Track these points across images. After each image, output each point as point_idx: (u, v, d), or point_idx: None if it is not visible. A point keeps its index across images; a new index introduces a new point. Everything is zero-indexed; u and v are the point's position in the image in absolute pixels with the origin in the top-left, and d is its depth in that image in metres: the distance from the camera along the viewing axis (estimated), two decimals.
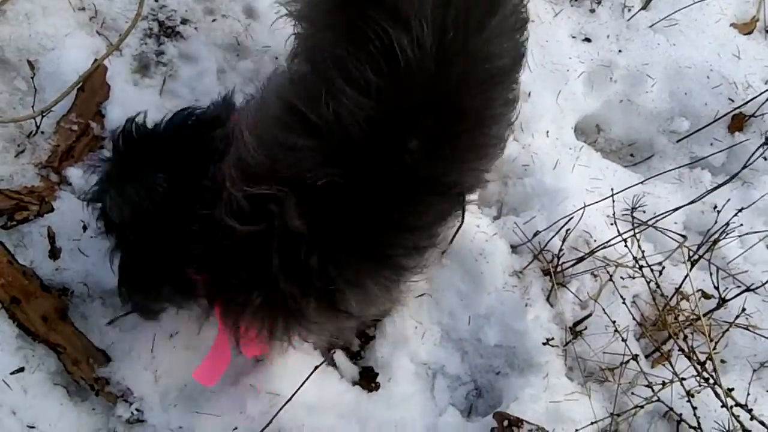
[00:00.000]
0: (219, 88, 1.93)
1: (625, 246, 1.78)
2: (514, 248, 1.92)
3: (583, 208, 1.80)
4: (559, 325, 1.83)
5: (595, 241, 1.91)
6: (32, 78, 1.80)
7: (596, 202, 1.81)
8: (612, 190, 1.98)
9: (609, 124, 2.14)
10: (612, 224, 1.92)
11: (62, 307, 1.73)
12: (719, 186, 1.77)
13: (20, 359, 1.67)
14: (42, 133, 1.83)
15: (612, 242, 1.80)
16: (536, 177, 1.96)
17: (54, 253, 1.76)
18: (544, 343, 1.80)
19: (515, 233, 1.91)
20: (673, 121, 2.11)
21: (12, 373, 1.65)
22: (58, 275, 1.75)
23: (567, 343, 1.81)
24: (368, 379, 1.79)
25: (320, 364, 1.60)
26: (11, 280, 1.70)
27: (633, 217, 1.76)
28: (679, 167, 2.02)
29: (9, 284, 1.69)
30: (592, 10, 2.10)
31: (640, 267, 1.79)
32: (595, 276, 1.92)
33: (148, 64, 1.94)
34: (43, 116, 1.80)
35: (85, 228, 1.77)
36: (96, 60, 1.84)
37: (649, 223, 1.81)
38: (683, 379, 1.57)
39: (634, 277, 1.90)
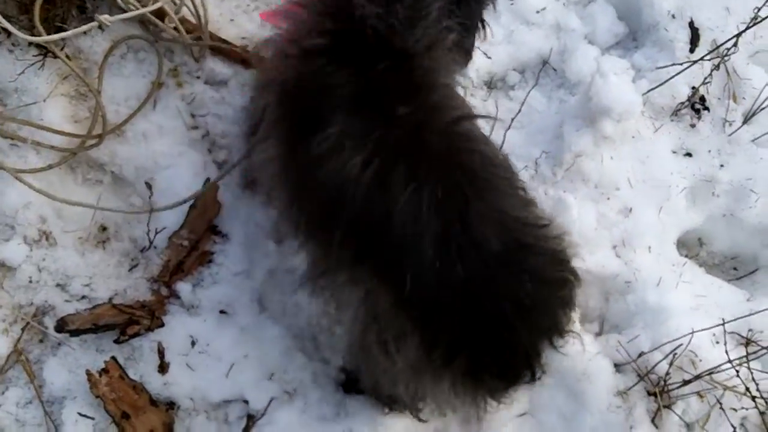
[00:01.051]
0: None
1: (737, 375, 1.73)
2: (617, 367, 1.88)
3: (691, 333, 1.76)
4: None
5: (701, 361, 1.85)
6: (150, 197, 1.88)
7: (704, 330, 1.77)
8: (717, 306, 1.97)
9: (712, 238, 2.10)
10: (717, 342, 1.88)
11: (169, 422, 1.76)
12: None
13: None
14: (155, 248, 1.90)
15: (721, 368, 1.75)
16: (639, 294, 1.92)
17: (163, 368, 1.79)
18: None
19: (618, 352, 1.87)
20: None
21: None
22: (166, 390, 1.78)
23: None
24: None
25: None
26: (122, 395, 1.74)
27: (747, 348, 1.72)
28: None
29: (120, 399, 1.73)
30: (693, 125, 2.09)
31: (753, 398, 1.74)
32: (702, 397, 1.86)
33: (255, 179, 2.01)
34: (156, 233, 1.88)
35: (193, 343, 1.81)
36: (208, 179, 1.91)
37: (760, 350, 1.77)
38: None
39: (742, 402, 1.83)
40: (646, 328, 1.89)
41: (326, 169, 1.31)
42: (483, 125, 1.80)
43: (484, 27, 1.72)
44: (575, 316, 1.89)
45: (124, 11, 2.00)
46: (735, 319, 1.77)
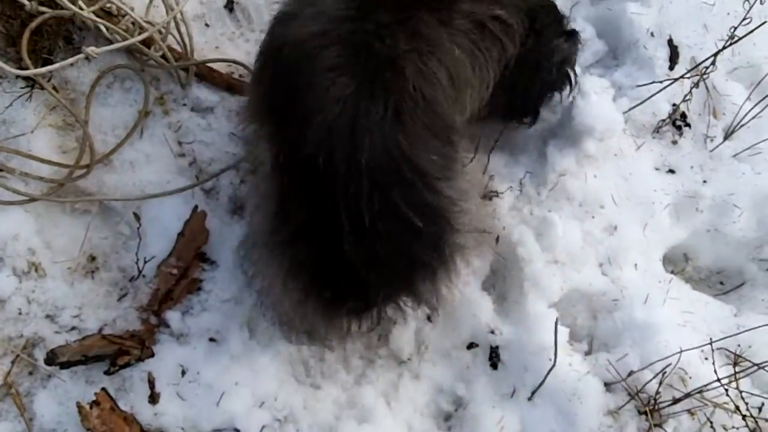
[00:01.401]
0: None
1: (726, 395, 1.75)
2: (607, 386, 1.89)
3: (680, 353, 1.78)
4: None
5: (690, 378, 1.87)
6: (138, 229, 1.89)
7: (692, 348, 1.79)
8: (704, 322, 1.99)
9: (697, 253, 2.11)
10: (706, 359, 1.89)
11: None
12: None
13: None
14: (143, 276, 1.90)
15: (711, 385, 1.77)
16: (626, 311, 1.93)
17: (154, 398, 1.79)
18: None
19: (608, 371, 1.88)
20: (763, 249, 2.07)
21: None
22: (157, 420, 1.78)
23: None
24: None
25: None
26: (113, 426, 1.74)
27: (735, 367, 1.74)
28: None
29: (111, 431, 1.73)
30: (674, 142, 2.11)
31: (743, 416, 1.76)
32: (693, 414, 1.87)
33: (243, 205, 2.02)
34: (145, 262, 1.88)
35: (183, 372, 1.82)
36: (196, 207, 1.92)
37: (749, 367, 1.78)
38: None
39: (733, 419, 1.84)
40: (635, 345, 1.90)
41: None
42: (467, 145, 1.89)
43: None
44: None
45: (111, 41, 2.03)
46: (722, 338, 1.79)
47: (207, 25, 2.16)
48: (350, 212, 1.38)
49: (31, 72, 1.84)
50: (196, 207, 1.93)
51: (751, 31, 1.87)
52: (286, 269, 1.50)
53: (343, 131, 1.37)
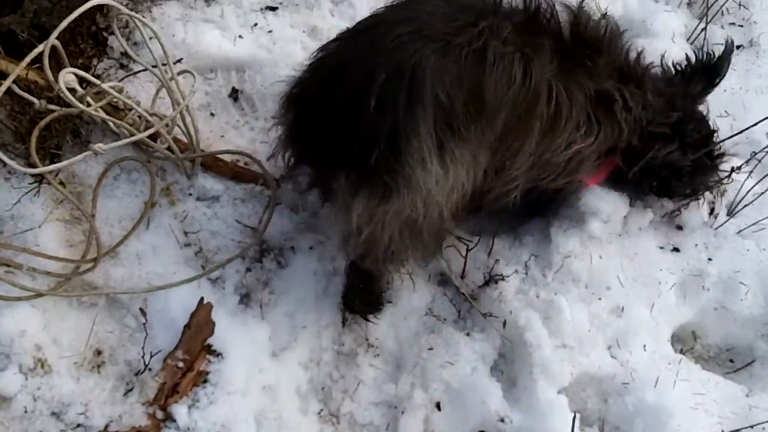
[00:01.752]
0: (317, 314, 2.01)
1: None
2: None
3: None
4: None
5: None
6: (144, 324, 1.89)
7: None
8: (716, 403, 1.96)
9: (705, 331, 2.10)
10: None
11: None
12: None
13: None
14: (149, 370, 1.89)
15: None
16: (637, 395, 1.91)
17: None
18: None
19: None
20: None
21: None
22: None
23: None
24: None
25: None
26: None
27: None
28: None
29: None
30: (679, 227, 2.12)
31: None
32: None
33: (249, 293, 2.02)
34: (152, 356, 1.88)
35: None
36: (202, 299, 1.93)
37: None
38: None
39: None
40: (647, 429, 1.87)
41: None
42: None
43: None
44: None
45: (118, 135, 2.07)
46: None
47: (212, 114, 2.21)
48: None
49: (39, 170, 1.87)
50: (202, 299, 1.93)
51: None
52: None
53: None
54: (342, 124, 1.51)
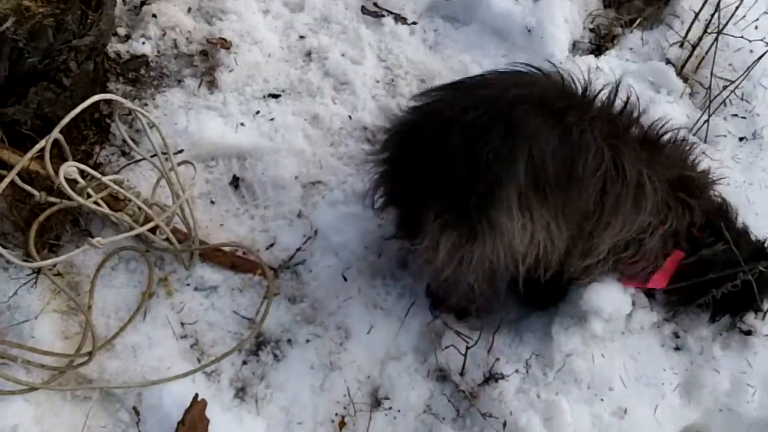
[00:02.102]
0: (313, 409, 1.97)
1: None
2: None
3: None
4: None
5: None
6: (137, 423, 1.87)
7: None
8: None
9: None
10: None
11: None
12: None
13: None
14: None
15: None
16: None
17: None
18: None
19: None
20: None
21: None
22: None
23: None
24: None
25: None
26: None
27: None
28: None
29: None
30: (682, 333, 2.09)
31: None
32: None
33: (244, 387, 1.99)
34: None
35: None
36: (197, 395, 1.90)
37: None
38: None
39: None
40: None
41: None
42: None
43: None
44: None
45: (117, 225, 2.07)
46: None
47: (212, 202, 2.21)
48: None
49: (37, 264, 1.88)
50: (196, 395, 1.90)
51: None
52: None
53: None
54: (448, 168, 1.63)
